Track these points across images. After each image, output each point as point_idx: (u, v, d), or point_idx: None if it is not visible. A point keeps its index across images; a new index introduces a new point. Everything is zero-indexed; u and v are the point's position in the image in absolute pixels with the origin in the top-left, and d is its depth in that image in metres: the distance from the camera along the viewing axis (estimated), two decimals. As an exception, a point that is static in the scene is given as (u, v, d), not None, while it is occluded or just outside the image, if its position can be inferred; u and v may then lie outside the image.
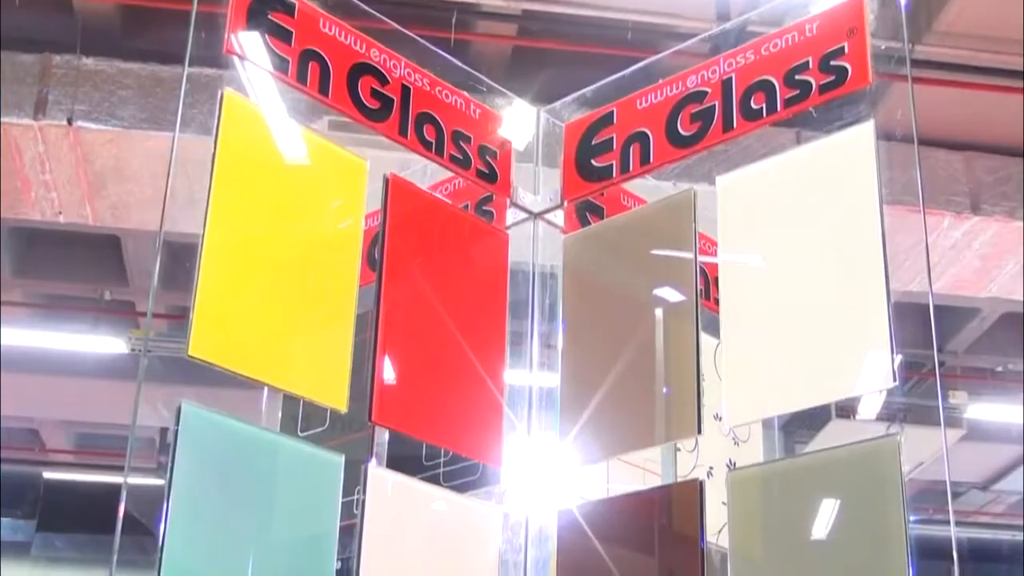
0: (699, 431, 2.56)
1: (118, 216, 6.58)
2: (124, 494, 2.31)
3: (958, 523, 9.98)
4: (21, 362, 8.58)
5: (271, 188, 2.59)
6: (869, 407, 8.20)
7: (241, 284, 2.46)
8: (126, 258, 8.06)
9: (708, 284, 3.03)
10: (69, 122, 5.93)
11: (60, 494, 10.27)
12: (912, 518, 2.24)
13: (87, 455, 10.55)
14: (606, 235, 3.00)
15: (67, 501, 10.15)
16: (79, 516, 9.84)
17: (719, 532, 2.56)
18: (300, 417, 3.27)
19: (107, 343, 8.50)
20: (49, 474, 10.46)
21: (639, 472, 3.11)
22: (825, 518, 2.36)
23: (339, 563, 2.49)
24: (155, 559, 2.19)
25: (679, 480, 3.04)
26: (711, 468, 3.07)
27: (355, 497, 2.54)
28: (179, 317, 7.81)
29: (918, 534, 2.24)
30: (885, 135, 2.51)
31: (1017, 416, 9.11)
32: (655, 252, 2.83)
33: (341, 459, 2.50)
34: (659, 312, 2.75)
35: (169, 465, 2.26)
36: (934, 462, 7.49)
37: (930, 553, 2.44)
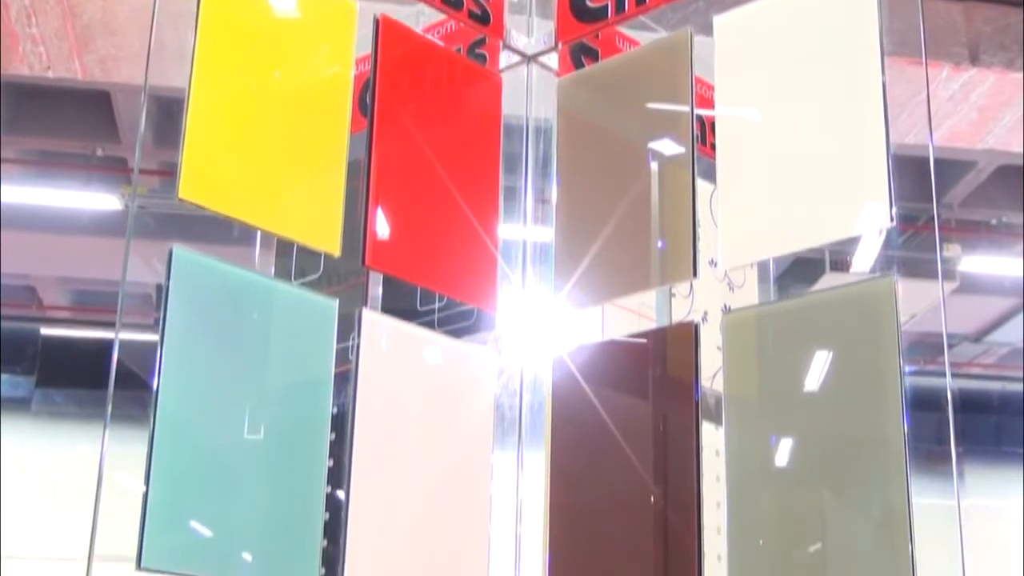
0: (695, 274, 2.55)
1: (107, 70, 6.50)
2: (116, 347, 2.30)
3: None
4: (16, 219, 8.57)
5: (259, 30, 2.54)
6: (863, 259, 8.22)
7: (231, 127, 2.43)
8: (117, 114, 7.99)
9: (704, 129, 3.00)
10: (54, -27, 5.82)
11: (58, 350, 10.33)
12: (907, 369, 2.24)
13: (84, 312, 10.59)
14: (601, 77, 2.96)
15: (66, 357, 10.21)
16: (78, 372, 9.91)
17: (714, 376, 2.56)
18: (293, 273, 3.26)
19: (100, 200, 8.48)
20: (47, 330, 10.50)
21: (634, 317, 3.11)
22: (821, 359, 2.36)
23: (335, 409, 2.50)
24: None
25: (674, 323, 3.04)
26: (706, 313, 3.07)
27: (349, 343, 2.53)
28: (172, 174, 7.77)
29: (911, 384, 2.24)
30: (885, -19, 2.46)
31: (1009, 268, 9.14)
32: (651, 96, 2.79)
33: (335, 303, 2.50)
34: (655, 158, 2.72)
35: (161, 312, 2.25)
36: (927, 314, 7.53)
37: (923, 403, 2.45)
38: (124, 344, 2.32)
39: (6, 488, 9.05)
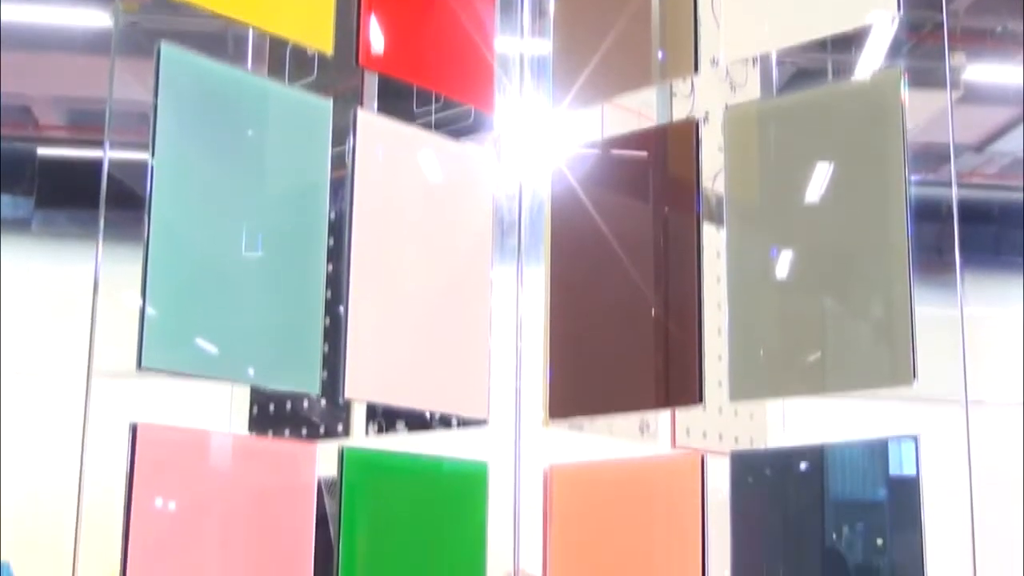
0: (696, 69, 2.50)
1: None
2: (106, 162, 2.25)
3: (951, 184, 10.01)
4: (7, 38, 8.44)
5: None
6: (867, 66, 8.11)
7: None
8: (106, -74, 7.82)
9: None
10: None
11: (57, 170, 10.26)
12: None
13: (81, 131, 10.49)
14: None
15: (64, 177, 10.14)
16: (77, 192, 9.84)
17: (715, 177, 2.53)
18: (287, 81, 3.20)
19: (93, 16, 8.35)
20: (44, 151, 10.42)
21: (634, 118, 3.06)
22: (825, 156, 2.32)
23: (332, 215, 2.47)
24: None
25: (674, 121, 3.00)
26: (707, 113, 3.02)
27: (345, 147, 2.49)
28: (163, -12, 7.62)
29: (914, 193, 2.21)
30: None
31: (1012, 77, 9.03)
32: None
33: (329, 103, 2.45)
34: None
35: (151, 113, 2.19)
36: (929, 124, 7.45)
37: (923, 214, 2.42)
38: (122, 164, 2.27)
39: (8, 308, 9.09)
